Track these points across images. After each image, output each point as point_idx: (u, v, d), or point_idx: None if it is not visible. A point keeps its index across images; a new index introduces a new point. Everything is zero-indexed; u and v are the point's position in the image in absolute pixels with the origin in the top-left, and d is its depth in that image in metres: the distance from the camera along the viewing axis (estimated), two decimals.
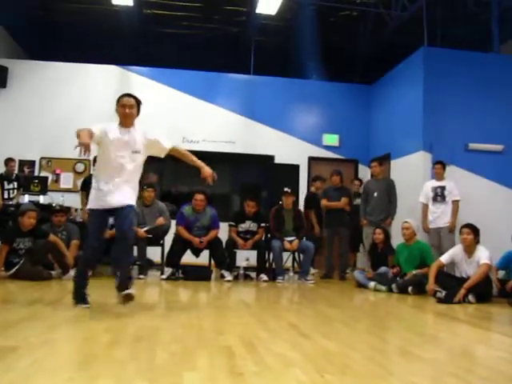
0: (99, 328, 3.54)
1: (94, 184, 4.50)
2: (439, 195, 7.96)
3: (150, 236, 7.54)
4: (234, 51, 11.96)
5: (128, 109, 4.48)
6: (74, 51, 10.68)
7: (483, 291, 6.01)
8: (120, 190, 4.42)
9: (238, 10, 11.11)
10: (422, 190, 8.20)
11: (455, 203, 7.91)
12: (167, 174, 10.87)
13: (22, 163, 10.08)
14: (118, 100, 4.54)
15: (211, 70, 11.07)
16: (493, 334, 4.42)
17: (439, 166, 8.12)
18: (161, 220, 7.73)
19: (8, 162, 8.83)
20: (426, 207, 8.10)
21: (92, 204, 4.47)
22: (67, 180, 10.33)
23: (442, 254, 6.96)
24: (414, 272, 6.80)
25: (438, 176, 8.10)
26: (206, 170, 4.81)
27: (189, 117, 10.77)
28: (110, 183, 4.41)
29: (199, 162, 4.83)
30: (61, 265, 6.85)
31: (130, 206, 4.42)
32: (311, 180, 9.52)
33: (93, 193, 4.49)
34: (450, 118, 8.94)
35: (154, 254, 8.06)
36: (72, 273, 6.89)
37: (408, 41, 10.34)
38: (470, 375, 2.74)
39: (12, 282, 6.25)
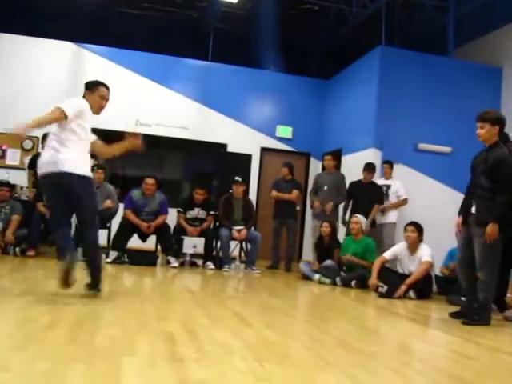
0: (39, 310, 3.46)
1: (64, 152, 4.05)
2: (384, 193, 8.14)
3: None
4: (193, 36, 11.83)
5: (106, 102, 4.38)
6: (27, 23, 10.34)
7: (423, 288, 6.17)
8: None
9: None
10: None
11: (401, 201, 8.13)
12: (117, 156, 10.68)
13: None
14: (97, 87, 4.33)
15: (169, 54, 10.93)
16: (430, 329, 4.55)
17: (386, 166, 8.34)
18: (108, 203, 7.62)
19: None
20: None
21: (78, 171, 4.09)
22: (14, 156, 10.00)
23: (382, 249, 7.14)
24: (351, 257, 6.96)
25: (386, 175, 8.33)
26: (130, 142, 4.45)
27: (143, 100, 10.61)
28: None
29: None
30: None
31: None
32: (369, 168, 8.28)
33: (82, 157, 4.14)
34: (402, 118, 9.10)
35: (99, 236, 7.91)
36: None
37: (366, 39, 10.47)
38: (407, 369, 2.81)
39: None
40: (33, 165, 8.15)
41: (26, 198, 8.34)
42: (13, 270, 5.94)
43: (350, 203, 8.20)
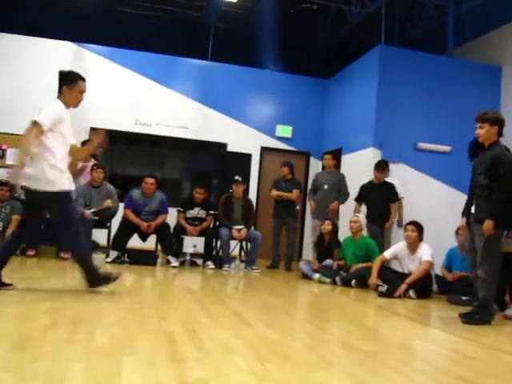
0: (39, 309, 3.46)
1: (53, 162, 4.19)
2: (396, 191, 7.99)
3: (96, 218, 7.42)
4: (193, 36, 11.83)
5: (83, 95, 4.42)
6: (27, 24, 10.32)
7: (423, 287, 6.16)
8: None
9: None
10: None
11: (398, 201, 8.08)
12: (117, 156, 10.71)
13: None
14: (76, 82, 4.34)
15: (169, 54, 10.92)
16: (430, 328, 4.55)
17: None
18: (108, 202, 7.61)
19: None
20: None
21: (67, 185, 4.26)
22: (13, 156, 9.97)
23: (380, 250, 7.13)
24: (358, 266, 6.92)
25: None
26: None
27: (143, 99, 10.61)
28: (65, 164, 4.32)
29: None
30: None
31: None
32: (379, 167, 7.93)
33: (59, 174, 4.22)
34: (402, 117, 9.09)
35: (100, 236, 7.94)
36: None
37: (366, 38, 10.48)
38: (407, 368, 2.81)
39: None
40: None
41: (24, 198, 8.32)
42: (13, 270, 5.92)
43: (363, 206, 7.94)
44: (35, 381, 2.05)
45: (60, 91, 4.33)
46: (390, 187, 7.86)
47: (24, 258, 6.93)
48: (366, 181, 8.06)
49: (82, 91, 4.37)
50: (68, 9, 10.63)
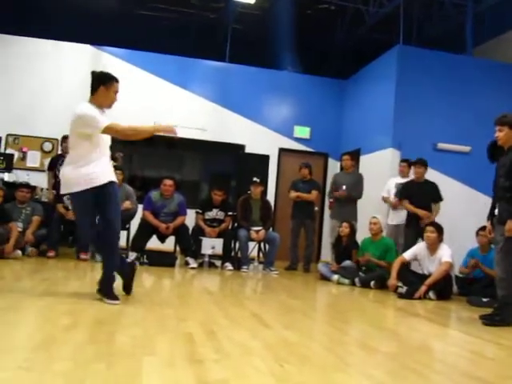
0: (60, 310, 3.50)
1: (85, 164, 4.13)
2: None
3: None
4: (210, 38, 11.87)
5: (116, 95, 4.39)
6: (46, 27, 10.43)
7: (443, 288, 6.12)
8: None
9: None
10: (385, 185, 8.20)
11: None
12: (136, 157, 10.80)
13: None
14: (112, 83, 4.30)
15: (186, 56, 10.97)
16: (450, 330, 4.51)
17: (404, 164, 8.12)
18: (127, 204, 7.65)
19: None
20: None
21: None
22: (34, 158, 10.11)
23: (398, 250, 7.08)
24: (380, 262, 6.89)
25: (403, 174, 8.10)
26: (165, 127, 4.64)
27: (161, 101, 10.67)
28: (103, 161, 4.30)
29: (150, 128, 4.58)
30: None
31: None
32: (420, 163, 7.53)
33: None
34: (420, 117, 9.03)
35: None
36: (19, 252, 6.84)
37: (384, 38, 10.43)
38: (427, 369, 2.80)
39: None
40: (52, 166, 8.24)
41: (45, 200, 8.42)
42: (33, 271, 6.00)
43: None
44: (56, 381, 2.07)
45: (95, 91, 4.26)
46: (433, 186, 7.45)
47: (44, 259, 6.99)
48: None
49: (117, 91, 4.34)
50: (85, 11, 10.71)
